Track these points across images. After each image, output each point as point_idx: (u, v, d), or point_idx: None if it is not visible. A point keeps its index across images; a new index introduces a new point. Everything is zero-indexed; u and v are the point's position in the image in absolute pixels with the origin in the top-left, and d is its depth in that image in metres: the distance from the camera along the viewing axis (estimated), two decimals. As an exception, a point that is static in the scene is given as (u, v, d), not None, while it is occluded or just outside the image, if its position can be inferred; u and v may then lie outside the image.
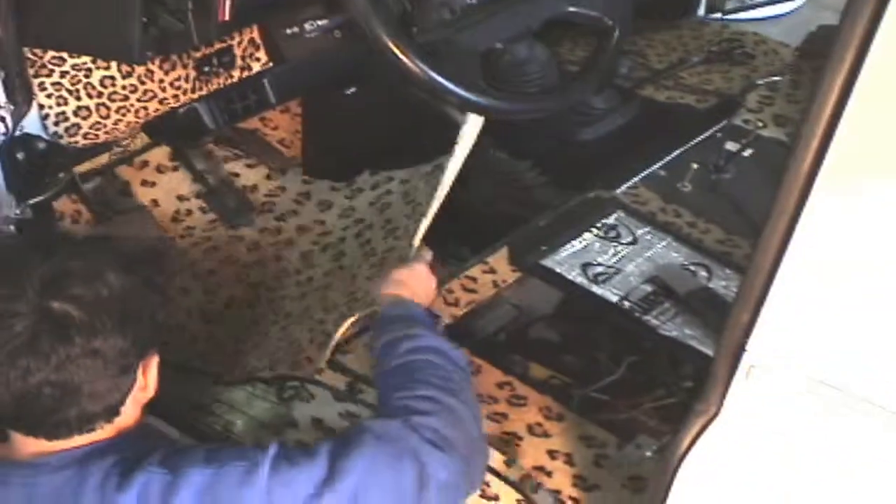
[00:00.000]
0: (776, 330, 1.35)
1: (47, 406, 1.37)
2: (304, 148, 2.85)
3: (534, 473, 1.84)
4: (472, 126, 2.04)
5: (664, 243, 2.38)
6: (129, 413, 1.47)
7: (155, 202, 2.65)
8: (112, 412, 1.43)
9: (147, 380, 1.47)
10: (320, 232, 2.71)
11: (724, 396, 1.43)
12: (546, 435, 1.90)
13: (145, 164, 2.68)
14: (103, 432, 1.44)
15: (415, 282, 1.84)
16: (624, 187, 2.55)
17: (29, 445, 1.43)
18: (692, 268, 2.31)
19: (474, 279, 2.23)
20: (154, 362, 1.48)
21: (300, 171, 2.79)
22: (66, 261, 1.38)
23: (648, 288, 2.24)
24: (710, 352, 2.03)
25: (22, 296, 1.34)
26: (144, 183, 2.67)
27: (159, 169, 2.70)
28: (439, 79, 1.89)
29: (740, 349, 1.38)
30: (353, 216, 2.69)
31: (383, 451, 1.45)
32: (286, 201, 2.76)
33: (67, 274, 1.36)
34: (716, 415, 1.44)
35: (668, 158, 2.64)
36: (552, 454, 1.87)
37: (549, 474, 1.84)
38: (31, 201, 1.89)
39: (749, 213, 2.49)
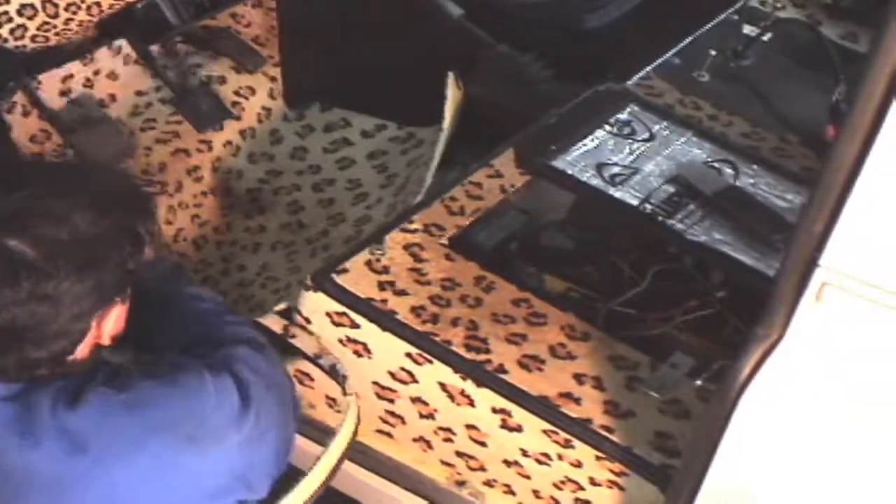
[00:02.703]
0: (857, 241, 1.17)
1: None
2: (281, 49, 2.64)
3: (560, 401, 1.66)
4: (452, 101, 1.96)
5: (684, 139, 2.18)
6: (77, 357, 1.38)
7: (112, 97, 2.44)
8: (57, 361, 1.36)
9: (102, 329, 1.39)
10: (269, 169, 2.54)
11: (789, 319, 1.25)
12: (571, 357, 1.73)
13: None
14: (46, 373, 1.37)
15: None
16: (636, 78, 2.35)
17: None
18: (717, 165, 2.12)
19: (479, 185, 2.03)
20: (116, 311, 1.40)
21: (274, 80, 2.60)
22: (31, 196, 1.31)
23: (671, 188, 2.04)
24: (742, 257, 1.88)
25: None
26: (111, 75, 2.47)
27: (125, 60, 2.53)
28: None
29: (811, 265, 1.21)
30: (306, 160, 2.60)
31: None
32: (251, 111, 2.57)
33: (30, 210, 1.29)
34: (779, 339, 1.27)
35: (682, 45, 2.44)
36: (579, 378, 1.70)
37: (577, 401, 1.66)
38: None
39: (773, 102, 2.30)
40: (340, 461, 1.68)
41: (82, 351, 1.38)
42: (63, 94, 2.36)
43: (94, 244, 1.31)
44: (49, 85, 2.32)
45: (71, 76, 2.40)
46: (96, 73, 2.46)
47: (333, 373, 1.78)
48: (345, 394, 1.75)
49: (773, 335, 1.27)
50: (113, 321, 1.40)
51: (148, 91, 2.55)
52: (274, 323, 1.82)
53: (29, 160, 1.58)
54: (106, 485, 1.35)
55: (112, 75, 2.49)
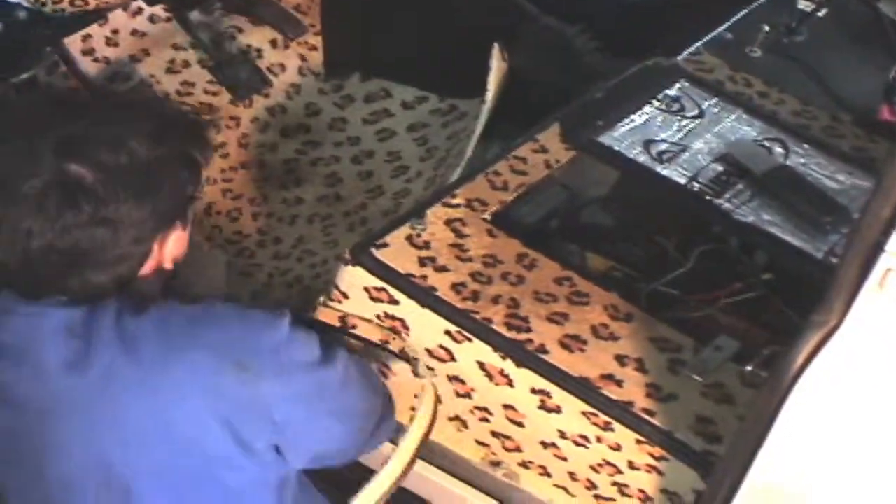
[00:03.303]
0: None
1: (51, 272, 1.34)
2: (322, 17, 2.60)
3: (601, 382, 1.62)
4: (496, 73, 1.93)
5: (734, 116, 2.13)
6: (145, 284, 1.43)
7: (146, 52, 2.42)
8: (119, 284, 1.39)
9: (164, 253, 1.44)
10: (306, 140, 2.51)
11: (849, 306, 1.20)
12: (613, 338, 1.68)
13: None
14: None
15: None
16: (686, 53, 2.29)
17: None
18: (767, 143, 2.06)
19: (524, 159, 1.98)
20: (176, 235, 1.45)
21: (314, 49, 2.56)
22: (91, 123, 1.35)
23: (719, 167, 1.99)
24: (790, 239, 1.83)
25: (38, 155, 1.30)
26: (135, 33, 2.44)
27: (152, 19, 2.50)
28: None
29: (876, 250, 1.15)
30: (346, 131, 2.56)
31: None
32: (280, 87, 2.54)
33: (89, 137, 1.33)
34: (837, 326, 1.22)
35: (734, 20, 2.38)
36: (621, 360, 1.65)
37: (619, 383, 1.62)
38: (14, 80, 1.66)
39: (826, 80, 2.23)
40: (420, 446, 1.68)
41: (146, 275, 1.42)
42: (85, 53, 2.34)
43: (152, 169, 1.35)
44: (74, 48, 2.29)
45: (90, 36, 2.36)
46: (115, 31, 2.43)
47: (404, 356, 1.75)
48: (417, 375, 1.73)
49: (832, 322, 1.21)
50: (173, 244, 1.44)
51: (185, 46, 2.53)
52: (329, 316, 1.78)
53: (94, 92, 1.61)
54: (147, 391, 1.36)
55: (136, 33, 2.47)
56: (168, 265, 1.46)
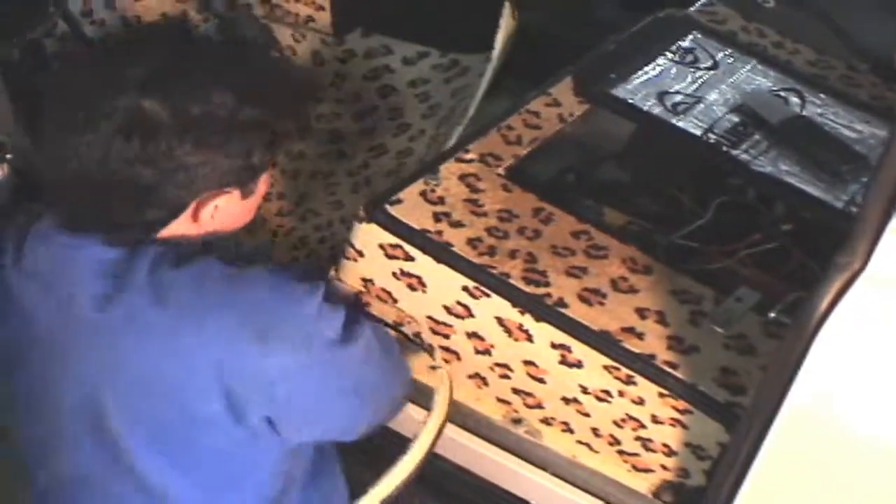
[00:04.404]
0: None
1: (91, 198, 1.37)
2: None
3: (622, 336, 1.60)
4: (504, 32, 1.91)
5: (749, 67, 2.10)
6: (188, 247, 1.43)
7: (138, 19, 2.41)
8: (150, 227, 1.40)
9: (205, 216, 1.42)
10: None
11: (873, 247, 1.18)
12: (633, 290, 1.66)
13: None
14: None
15: None
16: (698, 4, 2.27)
17: None
18: (782, 94, 2.03)
19: (537, 114, 1.96)
20: (228, 202, 1.43)
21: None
22: (188, 65, 1.35)
23: (735, 118, 1.96)
24: (809, 189, 1.81)
25: (123, 82, 1.31)
26: None
27: None
28: None
29: (898, 191, 1.13)
30: (344, 87, 2.50)
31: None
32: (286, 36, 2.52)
33: (178, 79, 1.33)
34: (861, 269, 1.20)
35: (746, -31, 2.34)
36: (641, 313, 1.63)
37: (640, 336, 1.60)
38: (18, 40, 1.63)
39: (841, 28, 2.20)
40: (437, 437, 1.67)
41: (188, 236, 1.42)
42: (84, 15, 2.31)
43: (224, 127, 1.34)
44: (75, 9, 2.27)
45: None
46: None
47: (418, 341, 1.75)
48: (433, 367, 1.72)
49: (856, 264, 1.20)
50: (224, 211, 1.43)
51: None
52: (347, 278, 1.77)
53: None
54: (163, 338, 1.38)
55: None
56: (213, 229, 1.45)
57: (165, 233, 1.42)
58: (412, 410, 1.76)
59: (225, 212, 1.44)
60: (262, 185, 1.48)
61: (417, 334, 1.75)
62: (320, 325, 1.43)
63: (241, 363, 1.38)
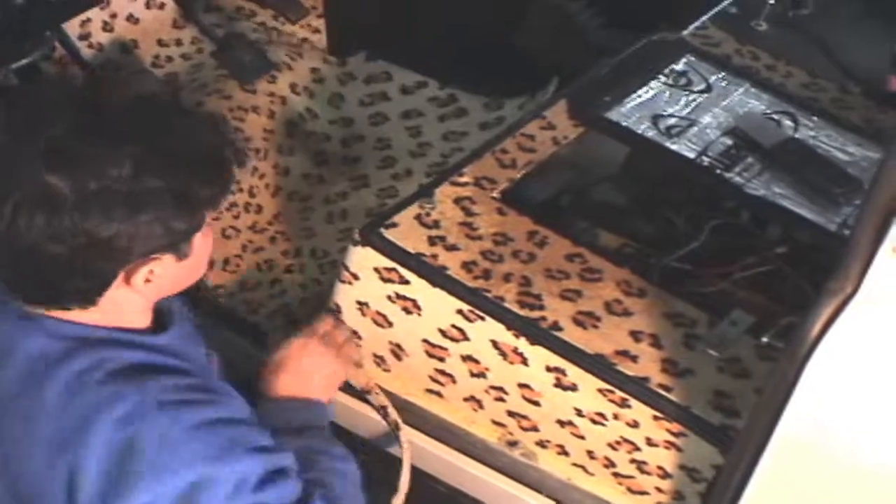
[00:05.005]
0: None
1: (18, 277, 1.34)
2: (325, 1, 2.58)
3: (617, 359, 1.61)
4: None
5: (742, 90, 2.11)
6: (123, 315, 1.38)
7: (135, 43, 2.41)
8: (85, 297, 1.35)
9: (134, 282, 1.35)
10: (307, 107, 2.49)
11: (864, 272, 1.19)
12: (627, 313, 1.67)
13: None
14: (97, 315, 1.37)
15: (307, 373, 1.65)
16: (692, 27, 2.29)
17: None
18: (776, 117, 2.05)
19: (531, 137, 1.97)
20: (164, 268, 1.36)
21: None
22: (87, 134, 1.28)
23: (728, 141, 1.97)
24: (802, 212, 1.82)
25: (24, 159, 1.26)
26: (130, 17, 2.43)
27: (148, 4, 2.48)
28: None
29: (890, 215, 1.15)
30: (341, 110, 2.47)
31: None
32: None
33: (78, 151, 1.26)
34: (853, 294, 1.21)
35: (739, -7, 2.36)
36: (636, 336, 1.64)
37: (634, 359, 1.61)
38: (14, 65, 1.63)
39: (834, 52, 2.22)
40: None
41: (122, 298, 1.36)
42: (82, 38, 2.32)
43: (132, 198, 1.27)
44: (73, 32, 2.28)
45: (89, 20, 2.35)
46: (113, 16, 2.41)
47: (384, 416, 1.75)
48: (399, 444, 1.73)
49: (847, 289, 1.20)
50: (163, 277, 1.37)
51: (169, 43, 2.51)
52: (342, 298, 1.78)
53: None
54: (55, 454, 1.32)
55: (132, 18, 2.45)
56: (150, 297, 1.41)
57: (106, 304, 1.37)
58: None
59: (162, 277, 1.37)
60: (202, 243, 1.40)
61: (384, 407, 1.76)
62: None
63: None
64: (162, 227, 1.31)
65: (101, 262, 1.31)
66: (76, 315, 1.37)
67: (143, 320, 1.43)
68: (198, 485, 1.31)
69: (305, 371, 1.65)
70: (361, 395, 1.78)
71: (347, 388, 1.78)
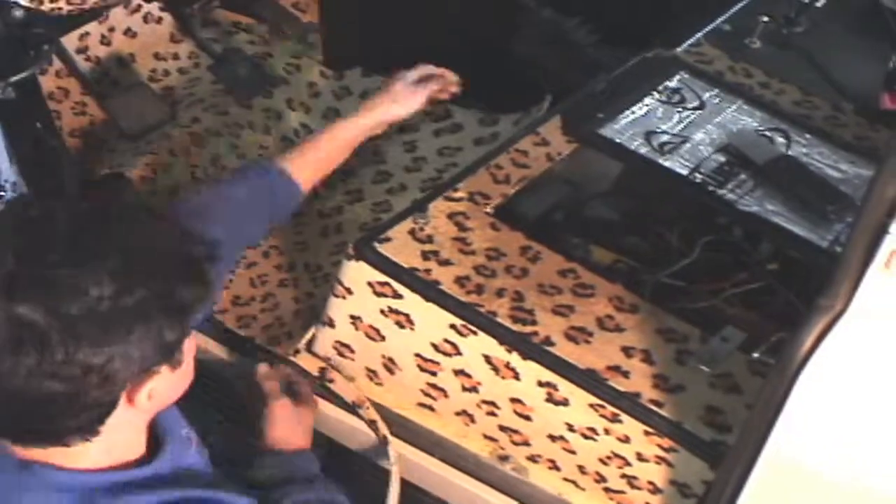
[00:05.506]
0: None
1: (11, 417, 1.25)
2: (321, 13, 2.58)
3: (608, 374, 1.61)
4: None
5: (735, 107, 2.12)
6: (124, 439, 1.34)
7: (132, 57, 2.41)
8: (87, 429, 1.27)
9: (136, 401, 1.28)
10: (303, 122, 2.48)
11: (855, 289, 1.20)
12: (619, 329, 1.68)
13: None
14: (99, 457, 1.31)
15: (286, 427, 1.70)
16: (686, 45, 2.30)
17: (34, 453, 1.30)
18: (768, 134, 2.06)
19: (525, 152, 1.98)
20: (153, 383, 1.28)
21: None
22: (53, 258, 1.18)
23: (721, 158, 1.98)
24: (795, 228, 1.83)
25: None
26: (128, 31, 2.42)
27: (146, 18, 2.47)
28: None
29: (881, 232, 1.15)
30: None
31: None
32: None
33: (45, 277, 1.17)
34: (843, 311, 1.21)
35: (732, 11, 2.38)
36: (627, 351, 1.65)
37: (626, 374, 1.61)
38: (13, 79, 1.64)
39: (827, 69, 2.23)
40: None
41: (128, 433, 1.33)
42: (80, 52, 2.32)
43: (115, 317, 1.19)
44: (70, 46, 2.29)
45: (87, 34, 2.36)
46: (111, 30, 2.41)
47: (373, 429, 1.77)
48: (388, 459, 1.74)
49: (837, 306, 1.21)
50: (161, 387, 1.30)
51: (166, 56, 2.51)
52: (310, 363, 1.80)
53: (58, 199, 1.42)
54: None
55: (129, 32, 2.45)
56: (148, 412, 1.35)
57: (110, 432, 1.29)
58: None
59: (160, 390, 1.30)
60: (189, 346, 1.33)
61: (374, 422, 1.77)
62: None
63: None
64: (154, 342, 1.24)
65: (100, 391, 1.23)
66: (75, 457, 1.30)
67: (141, 441, 1.38)
68: None
69: (292, 427, 1.70)
70: (353, 408, 1.79)
71: (339, 402, 1.79)
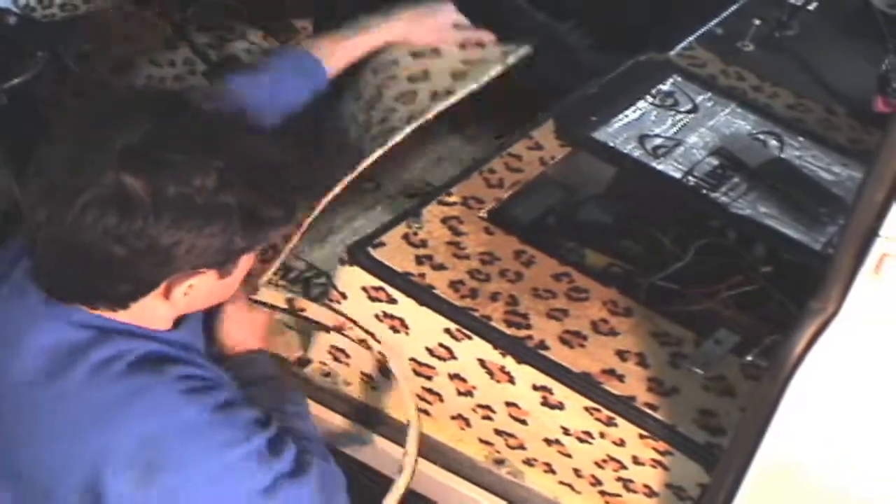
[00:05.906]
0: (920, 212, 1.12)
1: (67, 271, 1.33)
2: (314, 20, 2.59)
3: (603, 378, 1.62)
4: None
5: (728, 110, 2.13)
6: (151, 315, 1.38)
7: (127, 62, 2.42)
8: (117, 302, 1.35)
9: (174, 294, 1.35)
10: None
11: (846, 292, 1.20)
12: (613, 333, 1.68)
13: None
14: (124, 315, 1.36)
15: (241, 328, 1.65)
16: (678, 48, 2.30)
17: None
18: (761, 137, 2.06)
19: (519, 157, 1.98)
20: (199, 280, 1.35)
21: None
22: (167, 140, 1.28)
23: (714, 161, 1.99)
24: (788, 231, 1.83)
25: (103, 155, 1.25)
26: (126, 38, 2.42)
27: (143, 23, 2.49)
28: None
29: (871, 235, 1.16)
30: None
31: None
32: None
33: (159, 156, 1.26)
34: (835, 314, 1.22)
35: (725, 14, 2.38)
36: (622, 355, 1.65)
37: (620, 378, 1.62)
38: (6, 85, 1.64)
39: (819, 72, 2.24)
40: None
41: (151, 305, 1.36)
42: (73, 58, 2.31)
43: (204, 209, 1.27)
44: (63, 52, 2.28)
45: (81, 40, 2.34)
46: (106, 35, 2.41)
47: (367, 348, 1.74)
48: (389, 373, 1.71)
49: (829, 309, 1.22)
50: (195, 289, 1.35)
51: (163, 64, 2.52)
52: (276, 297, 1.77)
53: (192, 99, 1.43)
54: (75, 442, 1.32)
55: (124, 38, 2.45)
56: (181, 311, 1.40)
57: (136, 308, 1.36)
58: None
59: (199, 291, 1.37)
60: (245, 263, 1.40)
61: (363, 340, 1.73)
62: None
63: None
64: (222, 243, 1.31)
65: (152, 269, 1.31)
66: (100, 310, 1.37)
67: (163, 326, 1.42)
68: (229, 466, 1.33)
69: (249, 329, 1.66)
70: (338, 331, 1.76)
71: (318, 327, 1.78)
